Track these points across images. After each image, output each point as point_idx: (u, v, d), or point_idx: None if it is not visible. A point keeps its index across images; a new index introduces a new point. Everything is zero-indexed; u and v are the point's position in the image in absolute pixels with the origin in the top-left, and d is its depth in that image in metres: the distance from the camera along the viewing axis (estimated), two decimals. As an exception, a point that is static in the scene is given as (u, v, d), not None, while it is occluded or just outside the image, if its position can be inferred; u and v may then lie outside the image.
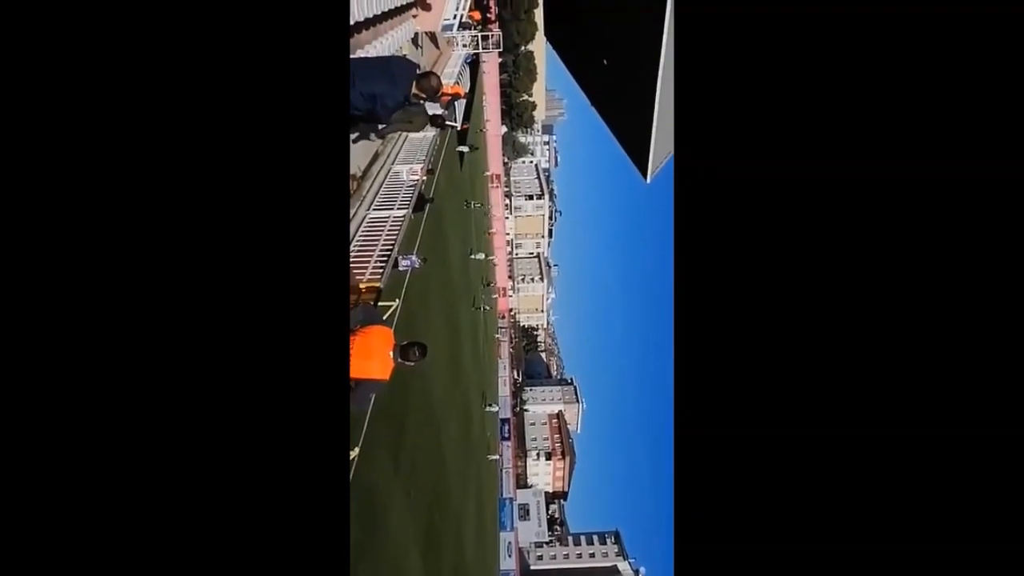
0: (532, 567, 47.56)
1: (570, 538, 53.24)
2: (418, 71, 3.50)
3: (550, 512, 50.53)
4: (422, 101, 3.51)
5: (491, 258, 29.36)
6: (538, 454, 56.92)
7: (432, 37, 13.32)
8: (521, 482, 49.07)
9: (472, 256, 20.37)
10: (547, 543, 49.33)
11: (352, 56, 6.16)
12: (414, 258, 7.26)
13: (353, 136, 3.78)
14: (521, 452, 52.40)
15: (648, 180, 17.06)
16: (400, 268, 6.82)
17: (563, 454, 56.91)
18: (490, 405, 24.10)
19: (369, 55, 6.47)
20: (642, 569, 50.53)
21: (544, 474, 56.50)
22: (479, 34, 16.81)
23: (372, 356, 3.25)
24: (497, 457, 25.71)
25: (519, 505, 38.45)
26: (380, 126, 3.50)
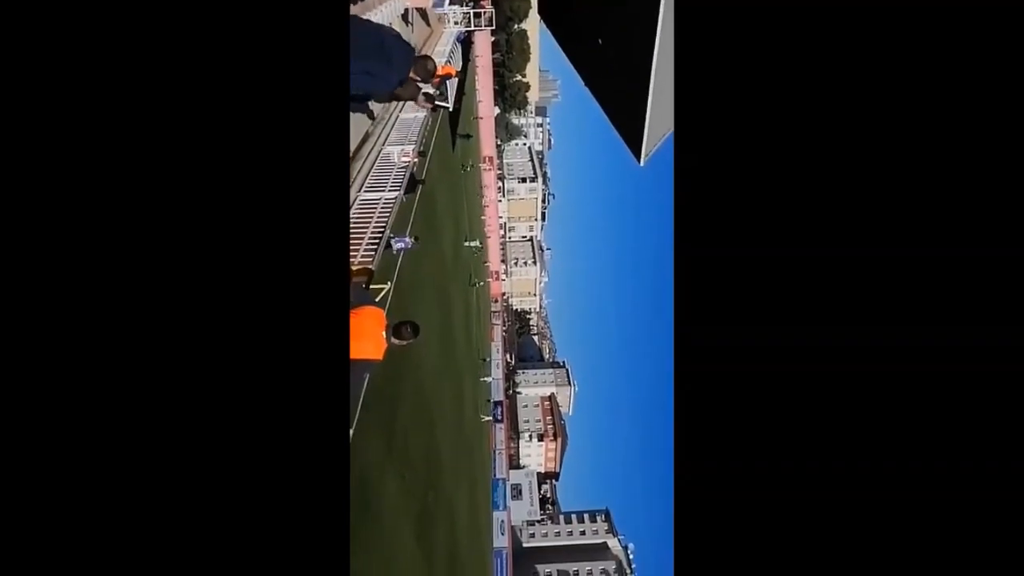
0: (524, 544, 48.52)
1: (561, 516, 54.27)
2: (415, 54, 3.46)
3: (542, 492, 51.39)
4: (416, 83, 3.48)
5: (483, 216, 28.99)
6: (530, 436, 57.65)
7: (423, 13, 13.02)
8: (514, 463, 49.76)
9: (466, 243, 20.25)
10: (539, 521, 50.29)
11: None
12: (407, 239, 7.16)
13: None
14: (514, 434, 53.02)
15: (642, 163, 16.99)
16: (393, 250, 6.74)
17: (555, 435, 57.66)
18: (484, 377, 24.68)
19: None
20: (631, 545, 51.82)
21: (536, 455, 57.29)
22: (471, 11, 16.46)
23: (365, 336, 3.23)
24: (488, 419, 26.57)
25: (512, 485, 39.08)
26: (370, 100, 3.46)
